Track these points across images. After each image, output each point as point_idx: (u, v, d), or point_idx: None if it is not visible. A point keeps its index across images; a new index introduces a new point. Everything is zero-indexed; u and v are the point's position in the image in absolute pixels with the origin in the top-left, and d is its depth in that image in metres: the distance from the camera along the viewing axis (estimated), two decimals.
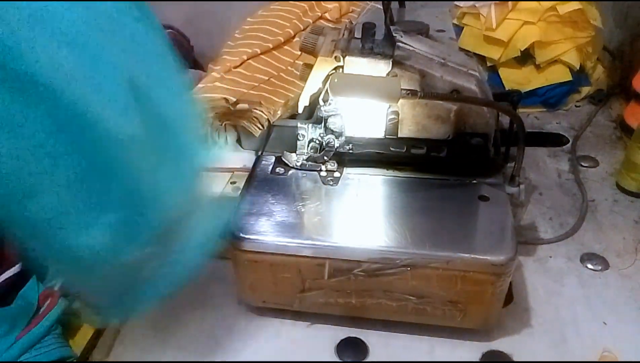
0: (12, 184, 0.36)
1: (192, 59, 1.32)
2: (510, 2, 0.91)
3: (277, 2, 1.03)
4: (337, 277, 0.53)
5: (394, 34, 0.59)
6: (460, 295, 0.52)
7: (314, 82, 0.58)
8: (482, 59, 0.95)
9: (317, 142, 0.61)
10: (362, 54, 0.56)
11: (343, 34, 0.59)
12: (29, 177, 0.36)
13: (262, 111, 0.77)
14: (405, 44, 0.59)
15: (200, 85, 0.84)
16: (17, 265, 0.64)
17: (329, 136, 0.60)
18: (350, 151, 0.61)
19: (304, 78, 0.59)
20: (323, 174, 0.61)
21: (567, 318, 0.58)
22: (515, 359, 0.54)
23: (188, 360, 0.55)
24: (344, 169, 0.62)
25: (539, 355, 0.54)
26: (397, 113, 0.58)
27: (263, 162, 0.63)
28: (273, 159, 0.64)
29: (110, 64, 0.37)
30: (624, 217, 0.71)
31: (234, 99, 0.78)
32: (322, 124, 0.60)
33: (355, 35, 0.60)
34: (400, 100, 0.55)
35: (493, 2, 0.93)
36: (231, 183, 0.74)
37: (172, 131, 0.42)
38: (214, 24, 1.33)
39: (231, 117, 0.80)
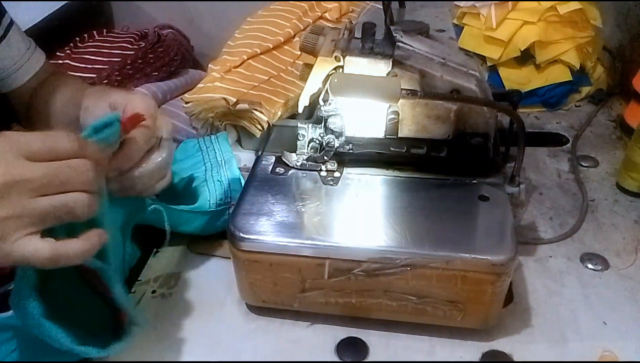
0: None
1: (192, 58, 1.32)
2: (510, 2, 0.91)
3: (277, 2, 1.03)
4: (337, 277, 0.53)
5: (394, 34, 0.59)
6: (460, 295, 0.52)
7: (314, 82, 0.58)
8: (482, 58, 0.95)
9: (317, 142, 0.61)
10: (362, 54, 0.56)
11: (343, 34, 0.59)
12: None
13: (262, 112, 0.77)
14: (405, 43, 0.59)
15: (200, 85, 0.84)
16: None
17: (329, 136, 0.60)
18: (350, 151, 0.61)
19: (304, 78, 0.59)
20: (323, 173, 0.61)
21: (567, 318, 0.58)
22: (515, 359, 0.54)
23: (188, 360, 0.55)
24: (344, 169, 0.62)
25: (539, 355, 0.54)
26: (397, 113, 0.58)
27: (263, 162, 0.63)
28: (273, 158, 0.64)
29: None
30: (624, 217, 0.71)
31: (234, 99, 0.78)
32: (322, 124, 0.60)
33: (355, 35, 0.60)
34: (400, 100, 0.55)
35: (493, 2, 0.92)
36: None
37: None
38: (214, 24, 1.33)
39: (231, 117, 0.80)
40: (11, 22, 0.71)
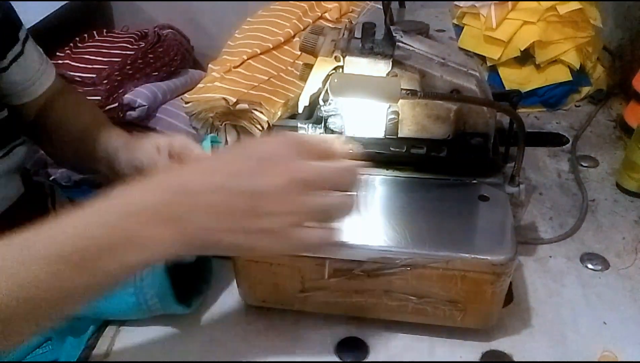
0: None
1: (192, 59, 1.32)
2: (510, 2, 0.91)
3: (277, 2, 1.03)
4: (337, 277, 0.53)
5: (394, 34, 0.59)
6: (460, 295, 0.52)
7: (314, 82, 0.58)
8: (482, 58, 0.95)
9: None
10: (362, 54, 0.56)
11: (343, 34, 0.59)
12: None
13: (261, 112, 0.77)
14: (405, 43, 0.59)
15: (200, 85, 0.84)
16: None
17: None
18: (350, 151, 0.61)
19: (303, 78, 0.59)
20: None
21: (567, 318, 0.58)
22: (515, 359, 0.54)
23: (188, 360, 0.55)
24: None
25: (539, 355, 0.54)
26: (397, 113, 0.58)
27: None
28: None
29: None
30: (624, 217, 0.71)
31: (234, 99, 0.78)
32: (322, 124, 0.60)
33: (355, 35, 0.60)
34: (400, 100, 0.55)
35: (493, 2, 0.93)
36: None
37: None
38: (214, 24, 1.33)
39: (231, 117, 0.80)
40: (27, 36, 0.71)
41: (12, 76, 0.68)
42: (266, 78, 0.85)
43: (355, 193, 0.46)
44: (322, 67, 0.57)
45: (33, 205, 0.76)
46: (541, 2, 0.90)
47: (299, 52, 0.90)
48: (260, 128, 0.78)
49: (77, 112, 0.75)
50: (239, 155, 0.45)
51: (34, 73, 0.71)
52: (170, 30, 1.29)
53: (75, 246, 0.40)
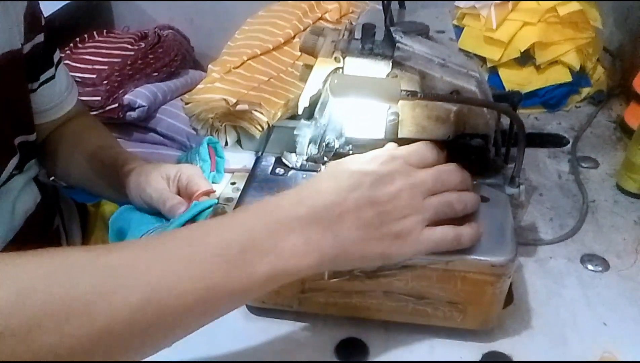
0: None
1: (192, 59, 1.32)
2: (510, 3, 0.91)
3: (277, 3, 1.03)
4: (337, 277, 0.53)
5: (394, 35, 0.59)
6: (460, 296, 0.52)
7: (313, 83, 0.58)
8: (482, 59, 0.96)
9: (317, 142, 0.61)
10: (362, 55, 0.56)
11: (343, 35, 0.59)
12: None
13: (261, 113, 0.77)
14: (405, 44, 0.59)
15: (200, 86, 0.84)
16: None
17: (329, 137, 0.60)
18: (350, 152, 0.61)
19: (303, 79, 0.59)
20: None
21: (567, 319, 0.58)
22: (515, 360, 0.54)
23: (188, 360, 0.55)
24: None
25: (539, 355, 0.54)
26: (397, 114, 0.58)
27: (263, 163, 0.63)
28: (273, 159, 0.64)
29: None
30: (624, 218, 0.71)
31: (234, 100, 0.78)
32: (322, 124, 0.60)
33: (355, 36, 0.60)
34: (400, 101, 0.55)
35: (493, 2, 0.93)
36: (231, 183, 0.74)
37: None
38: (214, 24, 1.33)
39: (231, 118, 0.80)
40: (60, 59, 0.71)
41: (39, 98, 0.68)
42: (266, 79, 0.85)
43: (465, 189, 0.51)
44: (322, 68, 0.57)
45: (45, 208, 0.76)
46: (541, 3, 0.90)
47: (298, 53, 0.90)
48: (260, 128, 0.78)
49: (89, 135, 0.75)
50: (355, 173, 0.48)
51: (59, 97, 0.71)
52: (170, 30, 1.29)
53: (239, 245, 0.42)
